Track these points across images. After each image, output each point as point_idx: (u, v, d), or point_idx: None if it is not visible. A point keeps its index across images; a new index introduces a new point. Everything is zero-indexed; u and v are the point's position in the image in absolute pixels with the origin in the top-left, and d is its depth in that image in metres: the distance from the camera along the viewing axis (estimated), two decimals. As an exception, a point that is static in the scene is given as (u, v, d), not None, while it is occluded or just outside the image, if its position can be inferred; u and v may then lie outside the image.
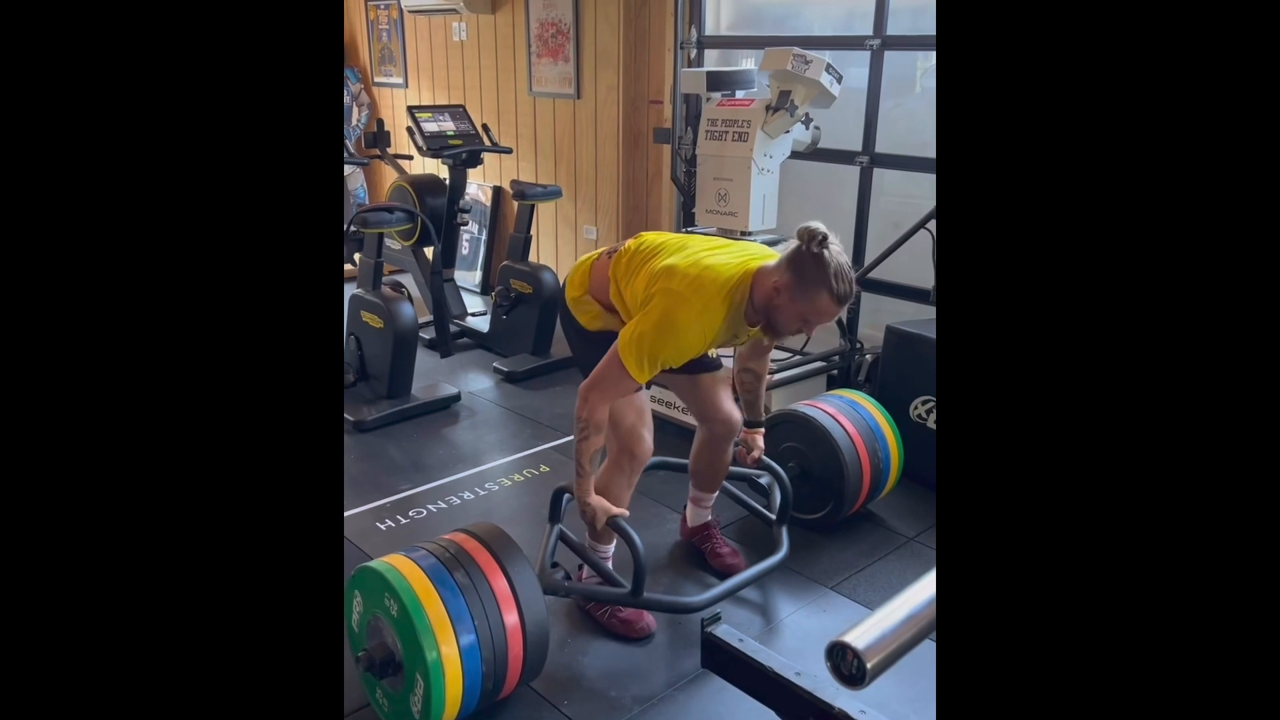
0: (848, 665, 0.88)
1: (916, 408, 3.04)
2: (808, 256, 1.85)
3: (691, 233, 3.37)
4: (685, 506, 2.65)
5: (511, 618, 1.86)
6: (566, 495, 2.32)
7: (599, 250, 2.22)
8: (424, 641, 1.74)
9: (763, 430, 2.46)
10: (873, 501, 2.81)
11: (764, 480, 2.63)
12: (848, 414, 2.71)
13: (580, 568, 2.36)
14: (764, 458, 2.45)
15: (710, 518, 2.60)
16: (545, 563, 2.21)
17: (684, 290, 1.92)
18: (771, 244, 3.19)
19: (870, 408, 2.78)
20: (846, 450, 2.62)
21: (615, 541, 2.32)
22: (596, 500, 2.09)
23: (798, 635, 2.31)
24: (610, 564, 2.33)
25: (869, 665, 0.87)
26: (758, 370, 2.38)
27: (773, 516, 2.53)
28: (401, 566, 1.84)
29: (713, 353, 2.35)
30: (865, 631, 0.89)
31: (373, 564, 1.87)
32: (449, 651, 1.76)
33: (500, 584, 1.87)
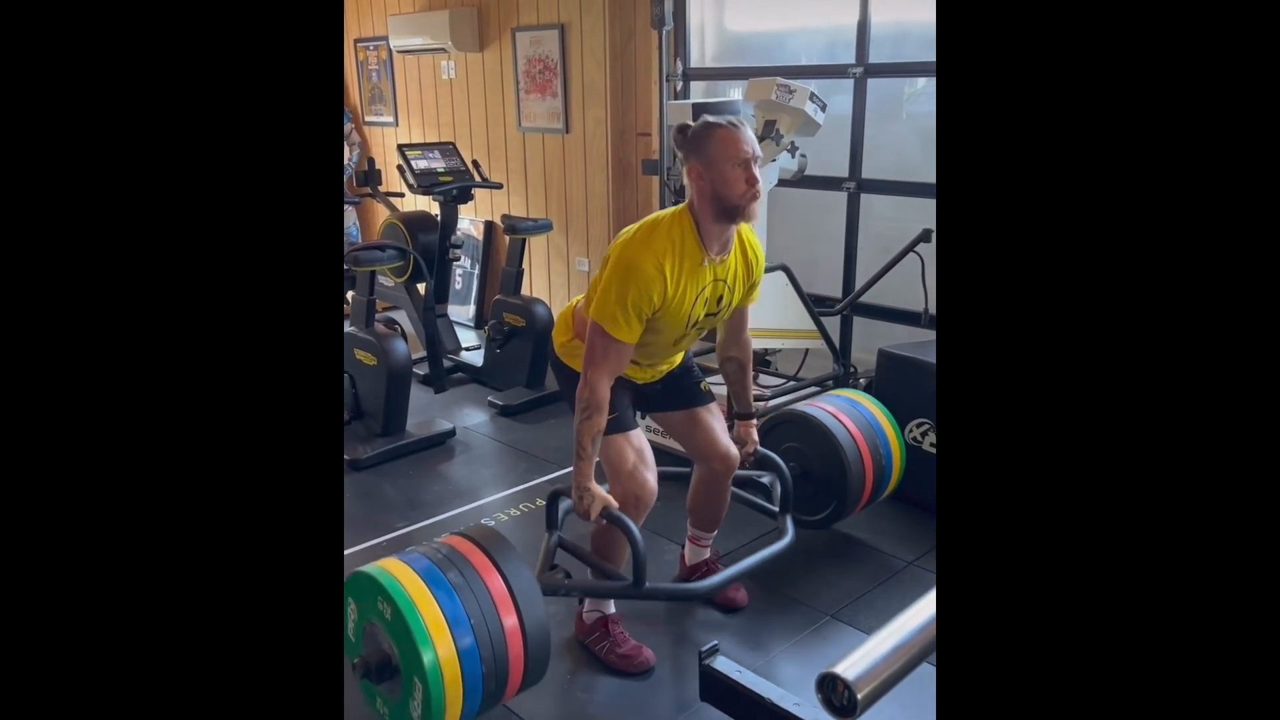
0: (838, 696, 0.87)
1: (911, 430, 3.03)
2: (686, 138, 1.98)
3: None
4: (684, 546, 2.62)
5: (510, 618, 1.80)
6: (563, 500, 2.26)
7: (578, 298, 2.21)
8: (419, 643, 1.69)
9: (755, 422, 2.41)
10: (876, 501, 2.76)
11: (765, 479, 2.55)
12: (848, 412, 2.67)
13: (581, 604, 2.34)
14: (762, 449, 2.40)
15: (709, 554, 2.59)
16: (544, 565, 2.16)
17: (630, 238, 2.01)
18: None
19: (871, 406, 2.74)
20: (848, 448, 2.56)
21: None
22: (596, 489, 2.03)
23: (798, 665, 2.29)
24: (612, 604, 2.31)
25: (859, 696, 0.86)
26: (740, 359, 2.34)
27: (775, 509, 2.46)
28: (394, 569, 1.80)
29: (704, 386, 2.34)
30: (855, 662, 0.89)
31: (365, 569, 1.84)
32: (446, 653, 1.71)
33: (496, 583, 1.82)
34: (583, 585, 2.21)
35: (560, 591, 2.12)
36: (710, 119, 1.96)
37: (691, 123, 2.00)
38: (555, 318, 2.29)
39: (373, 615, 1.81)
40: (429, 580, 1.78)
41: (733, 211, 1.95)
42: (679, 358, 2.28)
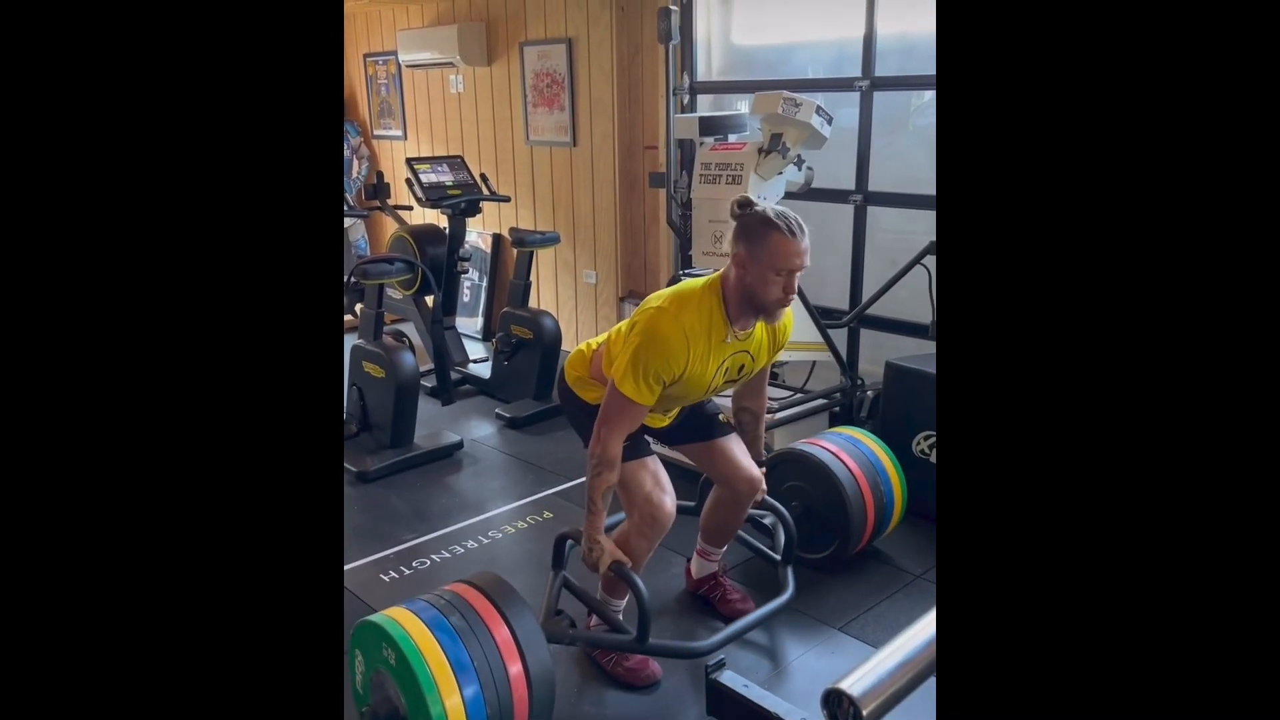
0: (844, 713, 0.87)
1: (919, 443, 3.03)
2: (745, 220, 1.96)
3: (689, 274, 3.39)
4: (690, 559, 2.63)
5: (515, 666, 1.83)
6: (570, 541, 2.31)
7: (598, 339, 2.23)
8: (425, 690, 1.71)
9: (764, 470, 2.45)
10: (878, 539, 2.79)
11: (768, 521, 2.61)
12: (849, 451, 2.71)
13: (589, 615, 2.34)
14: (767, 498, 2.44)
15: (716, 568, 2.58)
16: (550, 610, 2.19)
17: (660, 305, 2.00)
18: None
19: (871, 444, 2.77)
20: (849, 487, 2.60)
21: (628, 595, 2.30)
22: (607, 541, 2.07)
23: (806, 678, 2.28)
24: (620, 615, 2.31)
25: (865, 712, 0.86)
26: (755, 410, 2.38)
27: (778, 557, 2.51)
28: (398, 616, 1.83)
29: (723, 417, 2.35)
30: (861, 678, 0.89)
31: (370, 618, 1.87)
32: (451, 699, 1.73)
33: (502, 632, 1.85)
34: (587, 636, 2.24)
35: (565, 640, 2.15)
36: (774, 215, 1.93)
37: (756, 202, 1.98)
38: (570, 356, 2.30)
39: (379, 663, 1.83)
40: (433, 626, 1.80)
41: (760, 310, 1.99)
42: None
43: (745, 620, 2.29)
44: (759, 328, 2.09)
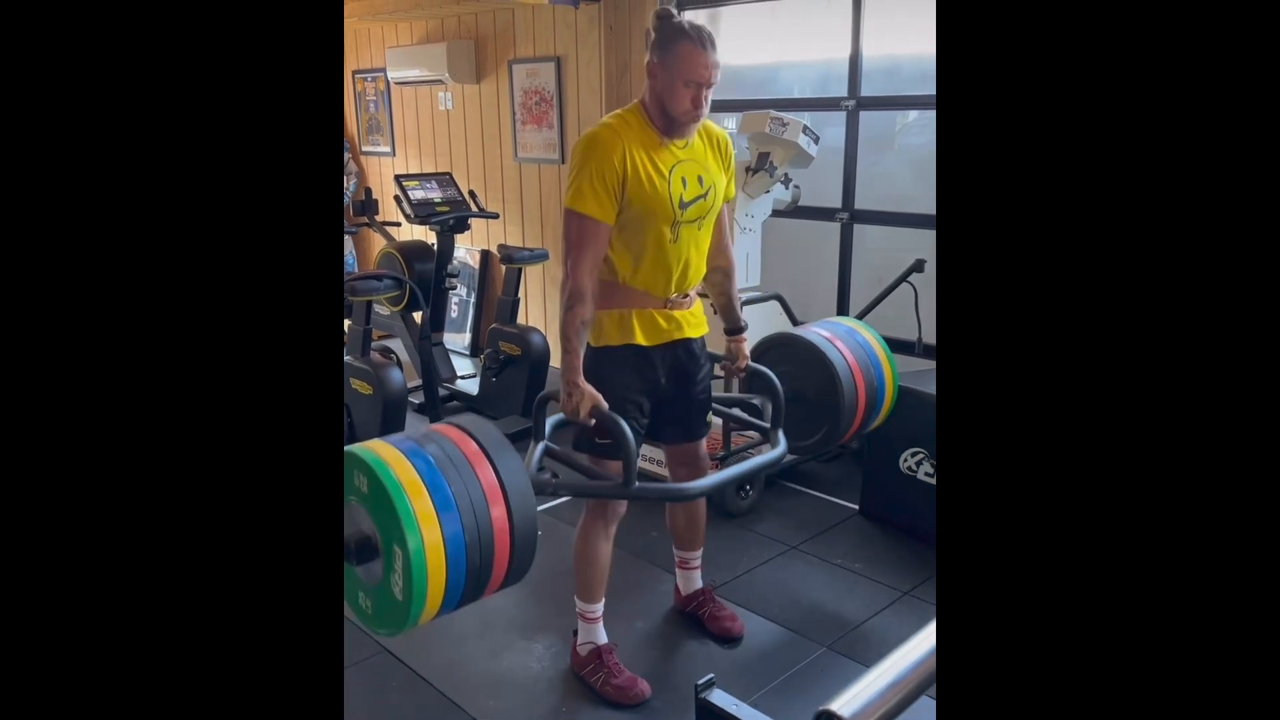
0: (836, 733, 0.87)
1: (906, 460, 3.04)
2: (659, 28, 1.96)
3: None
4: (676, 576, 2.62)
5: (490, 476, 1.69)
6: (550, 403, 2.16)
7: None
8: (396, 503, 1.57)
9: (745, 336, 2.36)
10: (866, 428, 2.66)
11: (756, 401, 2.46)
12: (843, 337, 2.61)
13: (575, 635, 2.33)
14: (752, 364, 2.35)
15: (702, 583, 2.58)
16: (532, 467, 2.04)
17: (591, 128, 2.02)
18: (753, 301, 3.22)
19: (863, 332, 2.67)
20: (842, 371, 2.50)
21: (603, 601, 2.30)
22: (585, 385, 1.98)
23: (796, 698, 2.28)
24: (600, 623, 2.30)
25: (857, 732, 0.86)
26: (724, 267, 2.29)
27: (767, 425, 2.37)
28: (371, 445, 1.71)
29: (709, 418, 2.34)
30: (852, 698, 0.89)
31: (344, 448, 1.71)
32: (424, 511, 1.59)
33: (486, 470, 1.71)
34: (571, 485, 2.14)
35: (549, 490, 2.00)
36: (688, 26, 1.94)
37: (676, 14, 1.98)
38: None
39: (350, 495, 1.68)
40: (407, 452, 1.67)
41: (670, 123, 1.98)
42: (695, 274, 2.17)
43: (740, 466, 2.21)
44: (698, 140, 2.07)
